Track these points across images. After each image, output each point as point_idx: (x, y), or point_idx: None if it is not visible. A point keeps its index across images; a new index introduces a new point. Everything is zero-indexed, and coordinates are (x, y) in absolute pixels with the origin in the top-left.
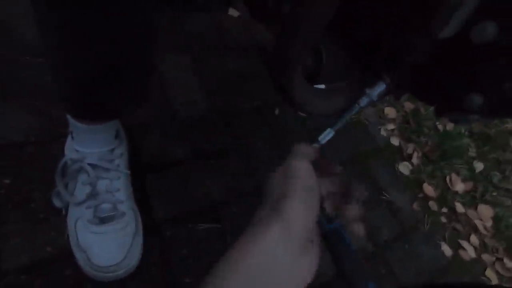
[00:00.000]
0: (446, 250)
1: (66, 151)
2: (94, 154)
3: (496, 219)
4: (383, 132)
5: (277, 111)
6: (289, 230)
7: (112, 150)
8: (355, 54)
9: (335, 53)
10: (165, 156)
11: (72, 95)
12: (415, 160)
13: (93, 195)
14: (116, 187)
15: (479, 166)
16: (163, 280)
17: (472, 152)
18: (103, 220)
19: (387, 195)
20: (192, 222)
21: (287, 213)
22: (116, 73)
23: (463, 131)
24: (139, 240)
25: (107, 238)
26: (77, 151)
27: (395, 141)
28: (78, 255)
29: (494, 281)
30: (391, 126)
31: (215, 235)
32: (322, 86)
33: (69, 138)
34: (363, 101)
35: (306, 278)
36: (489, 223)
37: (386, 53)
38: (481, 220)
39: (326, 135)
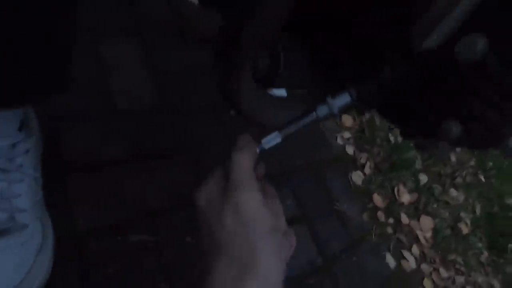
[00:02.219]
0: (390, 261)
1: None
2: None
3: (435, 230)
4: (339, 140)
5: (233, 112)
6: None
7: (13, 145)
8: (319, 61)
9: (295, 58)
10: (96, 154)
11: None
12: (367, 170)
13: None
14: (16, 192)
15: (423, 178)
16: None
17: (418, 165)
18: None
19: (339, 205)
20: (122, 234)
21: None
22: (8, 50)
23: (411, 144)
24: (46, 257)
25: None
26: None
27: (350, 150)
28: None
29: None
30: (347, 135)
31: (149, 249)
32: (283, 92)
33: None
34: (322, 110)
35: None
36: (429, 234)
37: (355, 64)
38: (422, 231)
39: (272, 140)
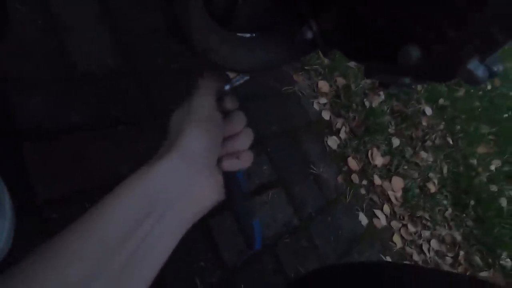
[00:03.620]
0: (363, 219)
1: None
2: None
3: (405, 190)
4: (315, 106)
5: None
6: (187, 156)
7: None
8: None
9: None
10: (53, 121)
11: None
12: (342, 134)
13: None
14: None
15: (395, 142)
16: None
17: (391, 129)
18: None
19: (315, 169)
20: (88, 201)
21: (184, 142)
22: None
23: (385, 109)
24: (4, 226)
25: None
26: None
27: (326, 115)
28: None
29: (399, 244)
30: (323, 100)
31: None
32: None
33: None
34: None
35: (205, 200)
36: (399, 194)
37: None
38: (393, 191)
39: (241, 78)
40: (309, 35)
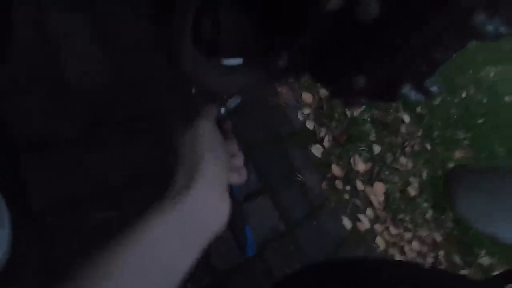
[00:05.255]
0: (347, 223)
1: None
2: None
3: (387, 194)
4: (299, 116)
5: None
6: (211, 182)
7: None
8: (257, 25)
9: (237, 22)
10: (49, 132)
11: None
12: (326, 143)
13: None
14: None
15: (376, 149)
16: (43, 279)
17: (372, 137)
18: None
19: (300, 176)
20: (84, 210)
21: (208, 170)
22: None
23: (366, 117)
24: (4, 234)
25: None
26: None
27: (310, 125)
28: None
29: (382, 246)
30: (307, 111)
31: (114, 226)
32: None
33: None
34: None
35: (225, 220)
36: (381, 198)
37: (283, 27)
38: (375, 195)
39: (234, 101)
40: (283, 63)
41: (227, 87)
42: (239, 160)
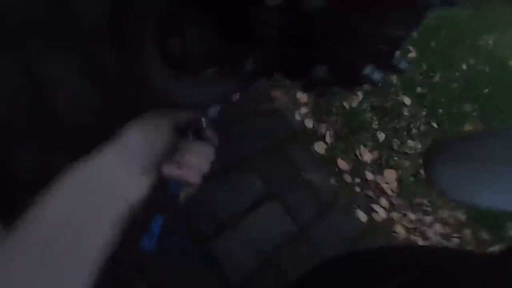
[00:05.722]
0: (362, 216)
1: None
2: None
3: (399, 180)
4: (297, 116)
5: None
6: (126, 152)
7: None
8: (220, 36)
9: (202, 38)
10: (46, 172)
11: None
12: (328, 138)
13: None
14: None
15: (381, 136)
16: None
17: (375, 124)
18: None
19: (306, 176)
20: None
21: (125, 139)
22: None
23: (365, 106)
24: None
25: None
26: None
27: (309, 124)
28: None
29: (402, 234)
30: (304, 110)
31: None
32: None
33: None
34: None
35: (142, 192)
36: (394, 185)
37: (241, 32)
38: (387, 183)
39: (214, 110)
40: (250, 67)
41: (203, 99)
42: (192, 157)
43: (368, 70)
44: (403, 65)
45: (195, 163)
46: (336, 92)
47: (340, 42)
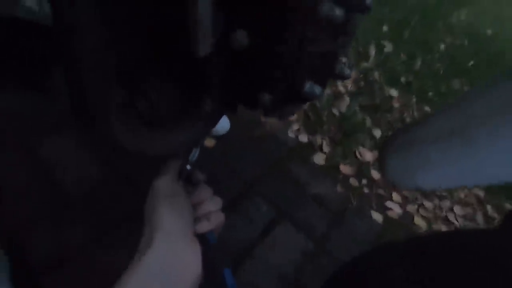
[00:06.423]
0: (377, 216)
1: None
2: None
3: None
4: (290, 134)
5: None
6: (171, 234)
7: None
8: (179, 87)
9: (166, 91)
10: (62, 246)
11: None
12: (325, 148)
13: None
14: None
15: (377, 133)
16: None
17: (368, 123)
18: None
19: (311, 190)
20: None
21: (162, 222)
22: None
23: (355, 108)
24: None
25: None
26: None
27: (303, 138)
28: None
29: (423, 226)
30: (296, 126)
31: None
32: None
33: None
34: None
35: (196, 267)
36: None
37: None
38: None
39: (194, 154)
40: (208, 107)
41: (176, 148)
42: (209, 206)
43: (307, 86)
44: (346, 71)
45: (213, 208)
46: (291, 112)
47: (275, 68)
